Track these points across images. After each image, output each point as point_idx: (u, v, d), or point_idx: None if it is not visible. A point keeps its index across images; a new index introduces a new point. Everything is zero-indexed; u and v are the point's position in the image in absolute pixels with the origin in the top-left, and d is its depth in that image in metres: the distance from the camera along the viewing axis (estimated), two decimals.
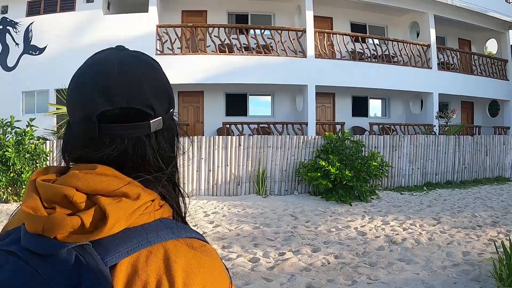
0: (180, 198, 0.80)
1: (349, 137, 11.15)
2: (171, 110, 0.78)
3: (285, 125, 14.50)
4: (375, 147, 11.55)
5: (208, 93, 16.38)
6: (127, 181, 0.68)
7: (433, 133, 14.96)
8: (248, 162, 10.31)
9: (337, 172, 9.67)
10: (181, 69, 13.67)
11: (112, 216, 0.62)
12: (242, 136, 10.46)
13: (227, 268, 0.72)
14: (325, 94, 16.87)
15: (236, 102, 16.69)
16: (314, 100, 14.77)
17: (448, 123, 14.84)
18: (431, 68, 16.47)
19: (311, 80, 14.61)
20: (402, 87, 16.14)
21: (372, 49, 15.59)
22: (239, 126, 13.91)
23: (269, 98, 16.88)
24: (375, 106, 18.59)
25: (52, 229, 0.60)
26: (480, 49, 21.03)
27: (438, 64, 16.75)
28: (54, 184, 0.66)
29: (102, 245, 0.61)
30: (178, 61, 13.87)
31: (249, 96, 16.73)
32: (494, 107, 21.22)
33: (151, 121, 0.72)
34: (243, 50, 14.48)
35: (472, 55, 18.62)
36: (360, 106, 17.91)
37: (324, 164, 9.96)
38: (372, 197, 10.12)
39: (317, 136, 11.14)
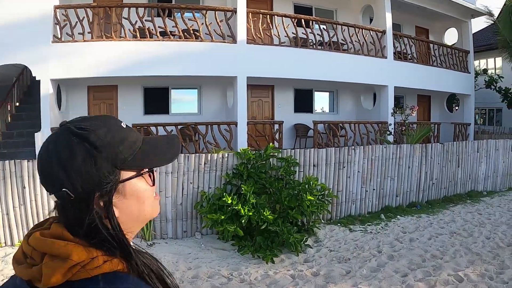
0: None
1: (275, 154, 7.62)
2: (64, 190, 0.82)
3: (209, 126, 11.16)
4: (314, 165, 7.97)
5: (123, 88, 12.88)
6: (65, 242, 0.80)
7: (388, 132, 12.01)
8: None
9: (252, 212, 6.30)
10: (88, 60, 10.39)
11: (45, 273, 0.77)
12: None
13: None
14: (262, 87, 13.76)
15: (157, 97, 13.24)
16: (245, 94, 11.60)
17: (406, 122, 11.90)
18: (386, 57, 13.47)
19: (241, 70, 11.42)
20: (353, 79, 13.28)
21: (318, 35, 12.39)
22: (160, 128, 10.86)
23: (195, 92, 13.41)
24: (321, 101, 15.54)
25: (22, 275, 0.82)
26: (439, 38, 18.24)
27: (394, 53, 13.72)
28: (25, 242, 0.84)
29: None
30: (84, 50, 10.41)
31: (172, 90, 13.23)
32: (452, 101, 18.55)
33: (50, 195, 0.85)
34: (163, 35, 11.01)
35: (432, 44, 15.74)
36: (304, 100, 14.94)
37: (230, 201, 6.46)
38: (306, 243, 6.74)
39: (226, 154, 7.48)
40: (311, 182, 7.09)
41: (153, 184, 0.94)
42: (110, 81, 12.24)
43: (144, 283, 0.84)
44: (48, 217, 0.91)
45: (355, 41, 12.95)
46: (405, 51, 14.44)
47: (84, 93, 12.59)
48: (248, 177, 6.94)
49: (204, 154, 6.95)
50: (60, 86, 11.55)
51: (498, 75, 21.63)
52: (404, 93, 16.39)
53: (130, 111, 12.58)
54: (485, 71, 22.58)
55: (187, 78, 12.08)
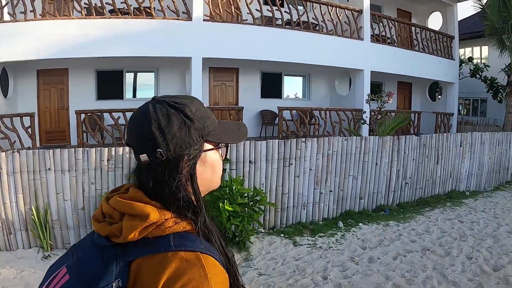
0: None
1: None
2: (158, 150, 0.91)
3: None
4: (250, 161, 6.10)
5: (74, 71, 11.43)
6: (144, 204, 0.89)
7: (362, 121, 10.59)
8: (19, 196, 5.24)
9: None
10: (32, 41, 8.98)
11: (125, 230, 0.87)
12: (3, 153, 5.31)
13: (232, 277, 0.96)
14: (226, 70, 12.35)
15: (111, 81, 11.68)
16: (200, 77, 10.26)
17: (382, 109, 10.47)
18: (362, 39, 12.02)
19: (197, 50, 10.04)
20: (326, 62, 11.91)
21: (286, 12, 10.93)
22: (115, 115, 9.41)
23: (152, 76, 11.86)
24: (292, 86, 14.09)
25: (101, 231, 0.92)
26: (422, 22, 16.79)
27: (372, 35, 12.23)
28: (105, 204, 0.96)
29: (128, 246, 0.87)
30: (27, 30, 8.97)
31: (126, 74, 11.67)
32: (435, 89, 17.16)
33: (140, 156, 0.93)
34: (111, 12, 9.54)
35: (414, 28, 14.27)
36: (272, 85, 13.49)
37: None
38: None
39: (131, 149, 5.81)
40: (234, 186, 5.38)
41: (224, 159, 1.05)
42: (60, 64, 10.72)
43: (209, 244, 0.93)
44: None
45: (328, 20, 11.51)
46: (384, 33, 12.98)
47: (34, 77, 11.02)
48: None
49: (106, 149, 5.38)
50: (7, 70, 10.07)
51: (484, 63, 20.27)
52: (383, 79, 14.98)
53: (83, 96, 11.17)
54: (470, 59, 21.16)
55: (141, 60, 10.62)
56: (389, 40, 13.69)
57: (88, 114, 9.53)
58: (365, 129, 11.78)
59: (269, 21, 10.91)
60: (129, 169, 5.42)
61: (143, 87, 12.13)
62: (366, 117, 11.21)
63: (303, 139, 6.42)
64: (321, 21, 11.48)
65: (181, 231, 0.89)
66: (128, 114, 9.31)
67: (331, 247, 5.57)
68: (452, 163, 8.67)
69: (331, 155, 6.67)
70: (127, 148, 5.52)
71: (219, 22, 10.15)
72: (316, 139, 6.51)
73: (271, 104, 12.68)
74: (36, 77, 11.04)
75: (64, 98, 11.47)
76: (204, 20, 9.93)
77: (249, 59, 11.10)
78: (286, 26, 11.09)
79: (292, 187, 6.41)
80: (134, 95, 11.96)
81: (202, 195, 0.99)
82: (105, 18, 9.33)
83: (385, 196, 7.45)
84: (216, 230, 1.00)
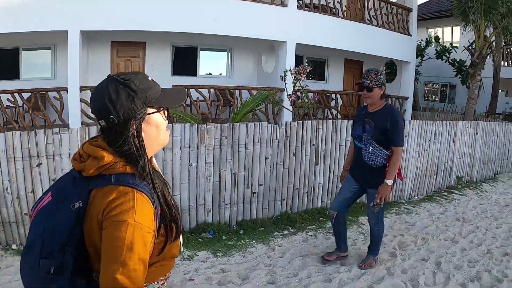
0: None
1: None
2: (111, 117, 1.15)
3: (36, 94, 7.50)
4: None
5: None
6: (102, 150, 1.17)
7: (275, 102, 8.30)
8: None
9: None
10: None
11: (87, 167, 1.15)
12: None
13: (155, 208, 1.19)
14: (131, 44, 10.23)
15: None
16: (77, 52, 8.07)
17: (304, 89, 8.01)
18: (286, 5, 9.58)
19: (73, 21, 7.83)
20: (246, 33, 9.58)
21: None
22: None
23: (48, 53, 9.55)
24: (212, 62, 11.52)
25: (76, 167, 1.21)
26: None
27: (300, 2, 9.77)
28: (81, 147, 1.24)
29: (91, 179, 1.16)
30: None
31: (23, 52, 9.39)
32: (392, 70, 14.63)
33: (99, 121, 1.18)
34: None
35: None
36: (186, 61, 10.92)
37: None
38: None
39: None
40: None
41: (167, 119, 1.30)
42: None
43: (144, 184, 1.18)
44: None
45: None
46: (326, 2, 10.42)
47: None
48: None
49: None
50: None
51: (451, 44, 17.68)
52: (326, 56, 12.38)
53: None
54: (437, 38, 18.58)
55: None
56: (333, 11, 11.11)
57: None
58: (287, 114, 9.27)
59: None
60: None
61: (38, 64, 9.70)
62: (290, 97, 8.65)
63: (56, 129, 3.78)
64: None
65: (127, 172, 1.17)
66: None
67: None
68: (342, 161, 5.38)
69: None
70: None
71: None
72: (74, 128, 3.85)
73: (184, 82, 10.11)
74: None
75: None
76: None
77: (156, 31, 8.85)
78: None
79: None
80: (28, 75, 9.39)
81: (155, 149, 1.31)
82: None
83: (214, 211, 4.61)
84: (162, 179, 1.30)
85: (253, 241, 4.41)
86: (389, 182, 3.33)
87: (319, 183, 5.27)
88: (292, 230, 4.78)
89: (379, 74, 3.34)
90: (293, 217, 4.96)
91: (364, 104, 3.60)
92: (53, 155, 3.86)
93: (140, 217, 1.09)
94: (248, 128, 4.62)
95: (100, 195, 1.12)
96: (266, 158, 4.78)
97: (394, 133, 3.31)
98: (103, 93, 1.16)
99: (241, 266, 3.76)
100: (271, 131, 4.73)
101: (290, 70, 8.05)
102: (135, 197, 1.11)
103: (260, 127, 4.71)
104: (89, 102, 1.25)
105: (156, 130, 1.25)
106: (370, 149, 3.36)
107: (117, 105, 1.14)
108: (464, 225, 5.13)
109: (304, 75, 7.68)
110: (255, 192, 4.79)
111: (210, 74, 11.56)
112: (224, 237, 4.46)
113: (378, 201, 3.36)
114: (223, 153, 4.54)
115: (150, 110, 1.21)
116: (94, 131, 3.90)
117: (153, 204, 1.16)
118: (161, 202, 1.22)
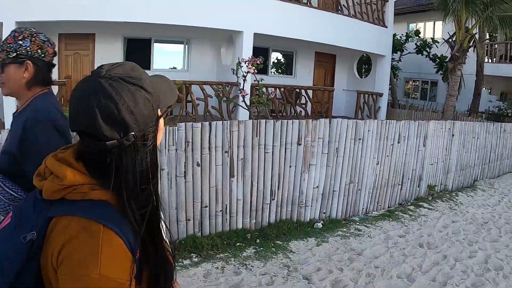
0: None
1: None
2: (131, 134, 0.80)
3: None
4: None
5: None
6: (66, 166, 0.81)
7: (225, 99, 7.30)
8: None
9: None
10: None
11: (44, 188, 0.81)
12: None
13: (133, 250, 0.78)
14: (80, 36, 9.11)
15: None
16: None
17: (260, 83, 6.96)
18: None
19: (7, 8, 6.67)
20: (202, 23, 8.49)
21: None
22: None
23: None
24: (167, 55, 10.44)
25: (37, 186, 0.85)
26: None
27: None
28: (44, 161, 0.86)
29: (52, 203, 0.80)
30: None
31: None
32: (366, 64, 13.55)
33: (107, 143, 0.80)
34: None
35: None
36: (139, 53, 9.71)
37: None
38: None
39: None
40: None
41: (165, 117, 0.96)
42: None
43: (123, 218, 0.80)
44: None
45: None
46: None
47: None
48: None
49: None
50: None
51: (432, 38, 16.61)
52: (295, 48, 11.21)
53: None
54: (417, 32, 17.50)
55: None
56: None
57: None
58: (243, 112, 8.14)
59: None
60: None
61: None
62: (246, 94, 7.49)
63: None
64: None
65: (96, 199, 0.80)
66: None
67: None
68: (295, 174, 4.35)
69: None
70: None
71: None
72: None
73: None
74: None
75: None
76: None
77: (107, 21, 7.77)
78: None
79: None
80: None
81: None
82: None
83: None
84: (159, 214, 0.90)
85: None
86: None
87: (237, 199, 4.08)
88: (195, 260, 3.60)
89: (20, 38, 1.59)
90: (201, 242, 3.79)
91: None
92: None
93: (108, 266, 0.73)
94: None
95: (59, 229, 0.78)
96: (162, 169, 3.57)
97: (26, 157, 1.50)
98: (115, 101, 0.78)
99: None
100: (165, 136, 3.52)
101: (239, 62, 6.95)
102: (102, 237, 0.75)
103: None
104: (78, 116, 0.78)
105: (160, 134, 0.92)
106: None
107: (138, 116, 0.81)
108: (428, 253, 3.99)
109: (254, 67, 6.57)
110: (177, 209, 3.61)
111: (166, 68, 10.40)
112: None
113: None
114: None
115: (158, 112, 0.88)
116: None
117: (128, 245, 0.78)
118: (144, 241, 0.83)
